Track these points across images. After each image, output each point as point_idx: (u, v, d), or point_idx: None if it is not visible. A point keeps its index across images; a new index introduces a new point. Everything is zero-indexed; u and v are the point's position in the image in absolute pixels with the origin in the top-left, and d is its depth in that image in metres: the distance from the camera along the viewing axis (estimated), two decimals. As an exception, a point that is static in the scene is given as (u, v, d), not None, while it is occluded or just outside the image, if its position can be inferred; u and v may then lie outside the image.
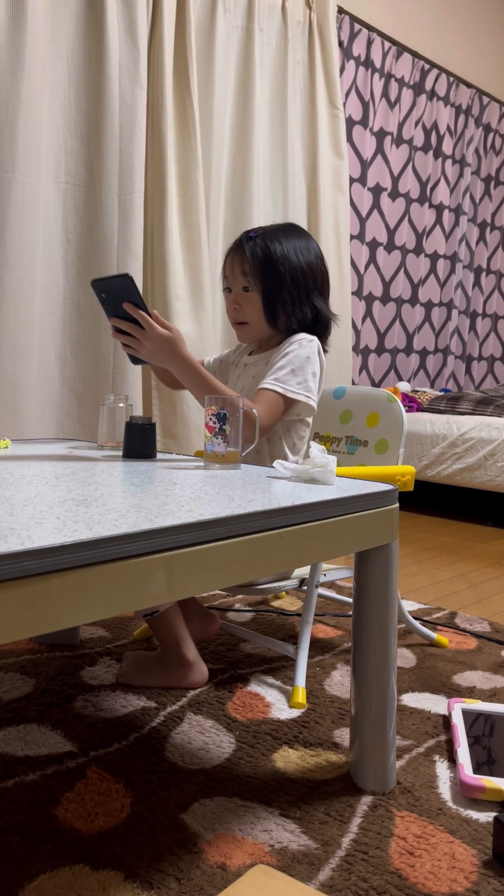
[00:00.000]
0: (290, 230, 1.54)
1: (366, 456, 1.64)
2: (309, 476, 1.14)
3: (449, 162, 4.43)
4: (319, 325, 1.53)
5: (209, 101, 2.84)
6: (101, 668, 1.56)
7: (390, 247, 4.13)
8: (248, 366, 1.59)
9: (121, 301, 1.28)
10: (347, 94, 3.70)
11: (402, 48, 3.98)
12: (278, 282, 1.48)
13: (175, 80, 2.69)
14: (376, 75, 3.84)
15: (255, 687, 1.51)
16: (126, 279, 1.26)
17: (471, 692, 1.53)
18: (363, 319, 4.01)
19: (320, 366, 1.51)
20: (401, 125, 4.08)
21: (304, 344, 1.48)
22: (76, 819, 1.05)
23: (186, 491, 1.01)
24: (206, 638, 1.69)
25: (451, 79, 4.35)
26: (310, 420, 1.56)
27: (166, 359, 1.36)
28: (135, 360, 1.39)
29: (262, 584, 1.52)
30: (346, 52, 3.65)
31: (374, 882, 0.94)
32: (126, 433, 1.35)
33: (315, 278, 1.52)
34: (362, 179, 3.85)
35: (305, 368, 1.46)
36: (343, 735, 1.32)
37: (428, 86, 4.21)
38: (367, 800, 1.13)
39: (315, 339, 1.50)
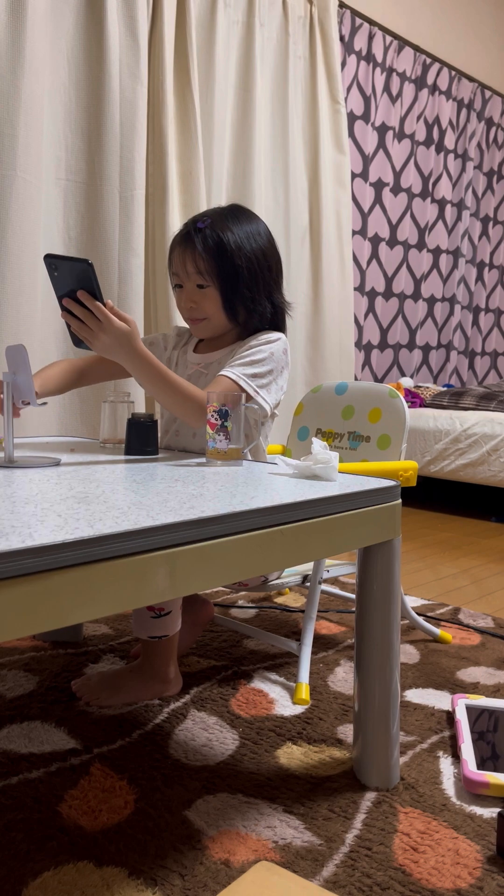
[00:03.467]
0: (237, 214, 1.45)
1: (368, 452, 1.64)
2: (311, 472, 1.14)
3: (451, 156, 4.42)
4: (278, 316, 1.47)
5: (210, 97, 2.83)
6: (104, 665, 1.56)
7: (392, 242, 4.12)
8: (210, 365, 1.49)
9: (76, 286, 1.21)
10: (349, 89, 3.68)
11: (403, 42, 3.96)
12: (235, 276, 1.40)
13: (176, 75, 2.68)
14: (378, 70, 3.82)
15: (258, 683, 1.51)
16: (87, 266, 1.17)
17: (474, 688, 1.53)
18: (366, 315, 4.01)
19: (287, 366, 1.45)
20: (402, 120, 4.06)
21: (272, 341, 1.42)
22: (80, 816, 1.05)
23: (188, 488, 1.01)
24: (201, 623, 1.67)
25: (453, 73, 4.33)
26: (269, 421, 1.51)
27: (121, 354, 1.26)
28: (78, 343, 1.28)
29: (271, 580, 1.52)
30: (348, 47, 3.64)
31: (378, 878, 0.94)
32: (128, 430, 1.34)
33: (270, 265, 1.45)
34: (364, 174, 3.84)
35: (266, 364, 1.39)
36: (347, 731, 1.32)
37: (430, 80, 4.19)
38: (370, 796, 1.13)
39: (282, 336, 1.45)
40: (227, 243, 1.39)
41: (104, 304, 1.21)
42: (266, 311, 1.46)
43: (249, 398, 1.38)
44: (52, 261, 1.20)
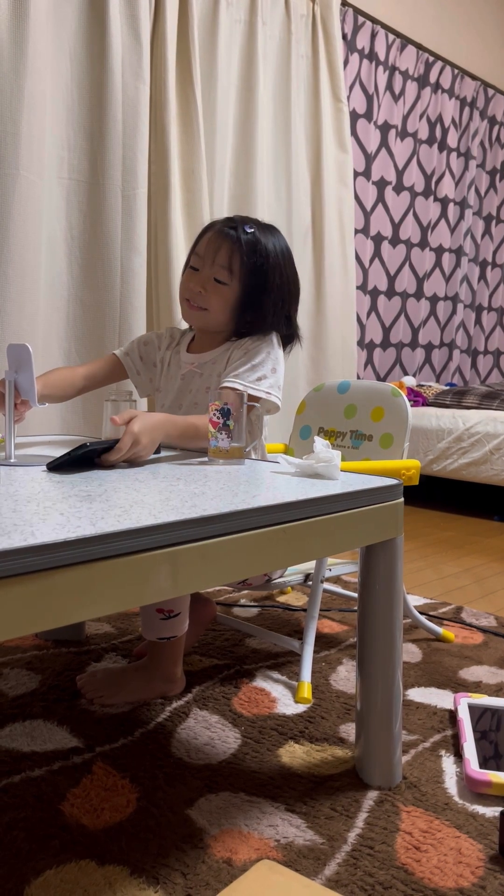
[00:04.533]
0: (278, 236, 1.46)
1: (370, 450, 1.63)
2: (313, 471, 1.14)
3: (454, 155, 4.41)
4: (286, 338, 1.49)
5: (212, 96, 2.83)
6: (106, 663, 1.56)
7: (395, 241, 4.11)
8: (204, 365, 1.48)
9: (94, 454, 1.16)
10: (351, 88, 3.68)
11: (406, 40, 3.96)
12: (264, 291, 1.41)
13: (178, 74, 2.68)
14: (380, 68, 3.81)
15: (260, 682, 1.50)
16: (87, 450, 1.12)
17: (477, 687, 1.53)
18: (368, 314, 4.00)
19: (280, 358, 1.45)
20: (405, 118, 4.05)
21: (264, 338, 1.43)
22: (82, 814, 1.05)
23: (190, 486, 1.01)
24: (204, 622, 1.67)
25: (456, 71, 4.32)
26: (266, 417, 1.52)
27: (160, 436, 1.24)
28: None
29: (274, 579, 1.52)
30: (350, 45, 3.63)
31: (380, 877, 0.94)
32: (130, 429, 1.34)
33: (294, 292, 1.48)
34: (366, 173, 3.83)
35: (267, 363, 1.40)
36: (349, 730, 1.32)
37: (432, 78, 4.19)
38: (372, 795, 1.13)
39: (274, 332, 1.45)
40: (267, 259, 1.40)
41: (116, 443, 1.16)
42: (282, 330, 1.47)
43: (259, 401, 1.39)
44: (57, 468, 1.13)
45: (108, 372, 1.58)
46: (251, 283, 1.40)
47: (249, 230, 1.41)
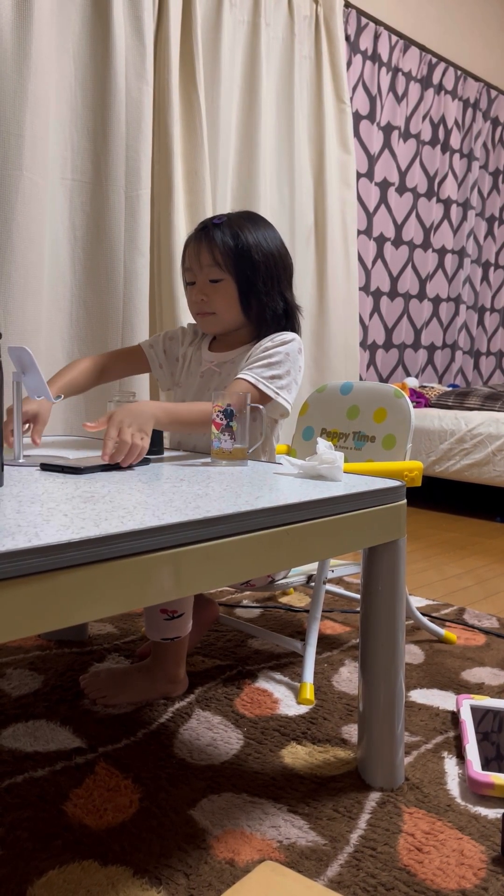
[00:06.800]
0: (253, 217, 1.48)
1: (373, 452, 1.64)
2: (316, 472, 1.14)
3: (457, 156, 4.41)
4: (289, 316, 1.49)
5: (215, 97, 2.83)
6: (109, 664, 1.56)
7: (398, 242, 4.11)
8: (224, 364, 1.49)
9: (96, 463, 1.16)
10: (354, 89, 3.68)
11: (409, 42, 3.96)
12: (253, 270, 1.42)
13: (181, 75, 2.68)
14: (383, 69, 3.81)
15: (262, 683, 1.51)
16: (77, 469, 1.11)
17: (479, 688, 1.53)
18: (371, 315, 4.00)
19: (302, 365, 1.45)
20: (408, 119, 4.05)
21: (287, 342, 1.42)
22: (85, 815, 1.05)
23: (193, 487, 1.01)
24: (206, 623, 1.67)
25: (459, 72, 4.32)
26: (281, 421, 1.52)
27: (149, 420, 1.22)
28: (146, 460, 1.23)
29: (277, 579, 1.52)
30: (353, 47, 3.64)
31: (383, 878, 0.94)
32: (133, 430, 1.34)
33: (285, 265, 1.49)
34: (369, 174, 3.83)
35: (284, 365, 1.40)
36: (351, 731, 1.32)
37: (435, 79, 4.18)
38: (375, 796, 1.13)
39: (297, 337, 1.45)
40: (245, 238, 1.42)
41: (105, 452, 1.15)
42: (279, 307, 1.46)
43: (268, 400, 1.38)
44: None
45: (131, 361, 1.60)
46: (241, 269, 1.42)
47: (218, 221, 1.44)
